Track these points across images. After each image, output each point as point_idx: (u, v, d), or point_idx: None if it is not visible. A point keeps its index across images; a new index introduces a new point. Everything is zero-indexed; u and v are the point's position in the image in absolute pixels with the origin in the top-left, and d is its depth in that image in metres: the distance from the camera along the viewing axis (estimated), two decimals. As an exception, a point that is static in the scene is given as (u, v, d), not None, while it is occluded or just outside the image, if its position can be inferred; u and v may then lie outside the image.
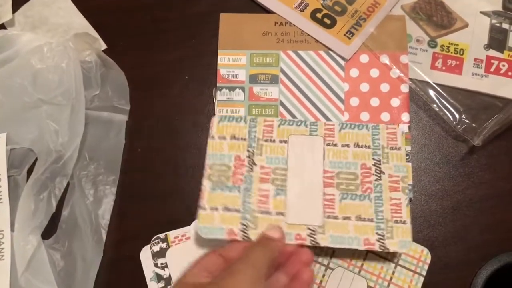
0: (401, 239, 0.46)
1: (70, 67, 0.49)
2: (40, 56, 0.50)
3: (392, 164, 0.49)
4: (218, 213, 0.46)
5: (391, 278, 0.49)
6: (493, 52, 0.54)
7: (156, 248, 0.49)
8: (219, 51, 0.54)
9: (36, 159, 0.52)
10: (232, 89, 0.53)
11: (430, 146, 0.53)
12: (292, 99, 0.53)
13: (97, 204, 0.50)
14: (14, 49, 0.53)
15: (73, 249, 0.49)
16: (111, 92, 0.53)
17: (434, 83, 0.53)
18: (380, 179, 0.48)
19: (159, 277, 0.49)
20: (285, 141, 0.50)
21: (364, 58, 0.54)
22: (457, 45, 0.54)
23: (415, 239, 0.50)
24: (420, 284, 0.49)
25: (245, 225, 0.46)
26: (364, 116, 0.52)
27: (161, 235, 0.50)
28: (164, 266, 0.49)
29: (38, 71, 0.50)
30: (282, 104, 0.53)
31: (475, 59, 0.54)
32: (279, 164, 0.49)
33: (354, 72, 0.54)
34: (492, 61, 0.54)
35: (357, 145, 0.49)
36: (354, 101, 0.53)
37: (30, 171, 0.51)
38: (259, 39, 0.55)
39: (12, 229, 0.49)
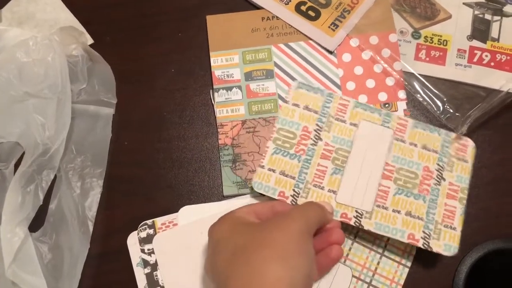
0: (447, 242, 0.47)
1: (56, 60, 0.50)
2: (26, 49, 0.50)
3: (456, 173, 0.49)
4: (275, 174, 0.49)
5: (376, 269, 0.49)
6: (476, 43, 0.55)
7: (143, 234, 0.50)
8: (211, 53, 0.55)
9: (24, 153, 0.52)
10: (229, 89, 0.54)
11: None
12: None
13: (84, 196, 0.50)
14: (0, 44, 0.54)
15: (60, 241, 0.49)
16: (98, 85, 0.54)
17: (418, 74, 0.53)
18: (439, 184, 0.49)
19: (145, 263, 0.49)
20: (355, 125, 0.50)
21: (354, 42, 0.55)
22: (441, 36, 0.55)
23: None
24: (405, 275, 0.49)
25: (296, 193, 0.48)
26: (362, 98, 0.53)
27: (149, 221, 0.50)
28: (151, 252, 0.49)
29: (24, 65, 0.50)
30: (280, 97, 0.53)
31: (459, 50, 0.54)
32: (344, 145, 0.50)
33: (346, 57, 0.54)
34: (475, 51, 0.54)
35: (424, 147, 0.50)
36: (351, 85, 0.54)
37: (17, 165, 0.51)
38: (249, 36, 0.55)
39: (-1, 222, 0.49)
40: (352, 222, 0.47)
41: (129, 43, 0.56)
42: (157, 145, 0.53)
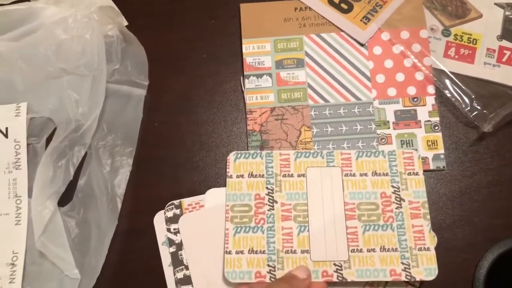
0: (426, 266, 0.46)
1: (94, 38, 0.51)
2: (65, 27, 0.51)
3: (411, 190, 0.49)
4: (244, 256, 0.47)
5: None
6: (505, 43, 0.55)
7: (169, 214, 0.50)
8: (243, 40, 0.55)
9: (55, 129, 0.53)
10: (259, 76, 0.54)
11: (441, 131, 0.54)
12: (319, 81, 0.54)
13: (113, 174, 0.51)
14: (38, 21, 0.54)
15: (88, 217, 0.50)
16: (131, 67, 0.54)
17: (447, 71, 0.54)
18: (401, 207, 0.48)
19: (171, 242, 0.50)
20: (303, 175, 0.49)
21: (385, 36, 0.55)
22: (471, 34, 0.56)
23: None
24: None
25: (272, 267, 0.46)
26: (391, 91, 0.54)
27: (176, 202, 0.51)
28: (177, 232, 0.50)
29: (62, 42, 0.51)
30: (310, 86, 0.54)
31: (488, 49, 0.55)
32: (299, 199, 0.48)
33: (377, 50, 0.55)
34: (505, 51, 0.55)
35: (375, 173, 0.49)
36: (380, 78, 0.54)
37: (48, 141, 0.52)
38: (281, 26, 0.56)
39: (29, 195, 0.50)
40: (335, 278, 0.46)
41: (162, 27, 0.57)
42: (186, 128, 0.54)
